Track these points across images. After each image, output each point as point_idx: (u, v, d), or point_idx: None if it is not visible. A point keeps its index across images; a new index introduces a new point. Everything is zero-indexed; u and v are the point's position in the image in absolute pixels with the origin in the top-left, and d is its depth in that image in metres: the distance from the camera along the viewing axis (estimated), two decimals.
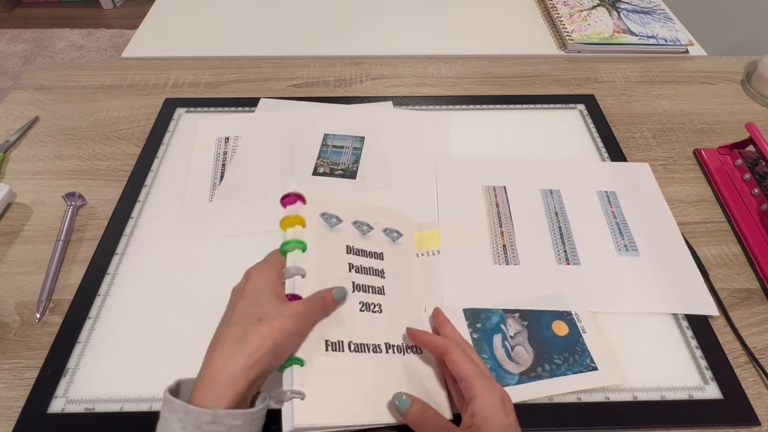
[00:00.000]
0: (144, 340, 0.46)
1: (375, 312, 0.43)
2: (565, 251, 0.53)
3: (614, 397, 0.43)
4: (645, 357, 0.46)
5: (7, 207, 0.57)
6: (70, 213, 0.55)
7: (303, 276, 0.40)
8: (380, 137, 0.65)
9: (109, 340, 0.46)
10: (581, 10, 0.87)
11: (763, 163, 0.60)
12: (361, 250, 0.46)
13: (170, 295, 0.49)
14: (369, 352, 0.41)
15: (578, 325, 0.47)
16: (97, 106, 0.70)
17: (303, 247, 0.42)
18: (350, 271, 0.44)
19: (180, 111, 0.68)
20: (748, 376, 0.45)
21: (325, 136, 0.65)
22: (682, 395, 0.43)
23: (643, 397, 0.43)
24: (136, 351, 0.45)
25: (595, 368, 0.44)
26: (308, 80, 0.75)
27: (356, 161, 0.62)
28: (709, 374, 0.45)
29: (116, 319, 0.47)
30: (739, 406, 0.43)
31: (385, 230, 0.49)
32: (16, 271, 0.51)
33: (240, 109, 0.69)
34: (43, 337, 0.46)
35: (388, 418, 0.38)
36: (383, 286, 0.45)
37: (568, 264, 0.52)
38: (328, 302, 0.40)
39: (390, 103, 0.70)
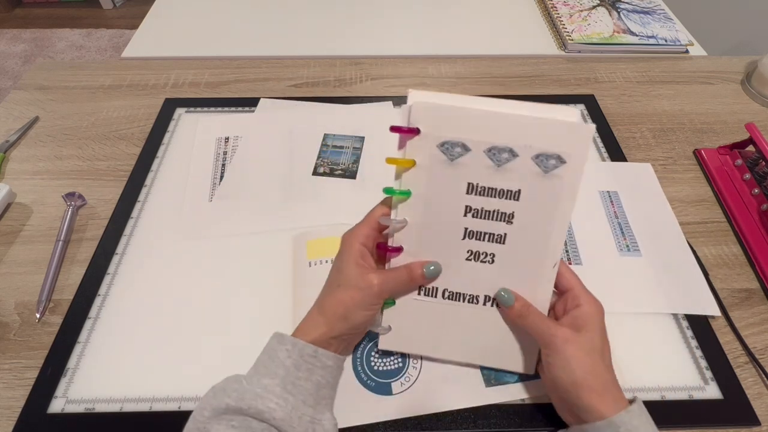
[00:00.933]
0: (144, 340, 0.46)
1: (485, 262, 0.39)
2: (566, 250, 0.53)
3: None
4: (645, 357, 0.46)
5: (7, 207, 0.57)
6: (70, 213, 0.55)
7: (404, 226, 0.38)
8: (380, 137, 0.65)
9: (109, 340, 0.46)
10: (581, 10, 0.87)
11: (763, 163, 0.60)
12: (489, 188, 0.37)
13: (170, 295, 0.49)
14: (463, 302, 0.40)
15: None
16: (97, 106, 0.70)
17: (407, 195, 0.37)
18: (466, 214, 0.38)
19: (180, 111, 0.68)
20: (748, 376, 0.45)
21: (325, 136, 0.65)
22: (682, 395, 0.43)
23: (643, 397, 0.43)
24: (136, 351, 0.45)
25: None
26: (308, 80, 0.75)
27: (356, 161, 0.62)
28: (709, 374, 0.45)
29: (116, 319, 0.47)
30: (739, 406, 0.43)
31: (537, 156, 0.35)
32: (16, 271, 0.51)
33: (240, 109, 0.69)
34: (43, 337, 0.46)
35: (466, 357, 0.43)
36: (505, 234, 0.38)
37: (570, 263, 0.52)
38: (415, 277, 0.39)
39: (390, 103, 0.70)
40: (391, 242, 0.39)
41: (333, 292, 0.39)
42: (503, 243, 0.38)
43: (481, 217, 0.38)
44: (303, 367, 0.36)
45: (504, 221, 0.38)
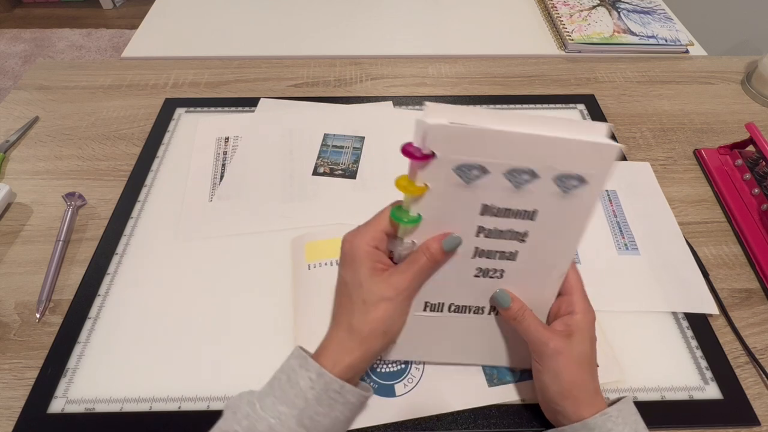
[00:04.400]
0: (144, 340, 0.46)
1: (493, 278, 0.38)
2: None
3: (614, 396, 0.43)
4: (645, 357, 0.46)
5: (7, 207, 0.57)
6: (70, 213, 0.55)
7: (412, 251, 0.37)
8: (380, 137, 0.65)
9: (109, 340, 0.46)
10: (581, 10, 0.87)
11: (763, 163, 0.60)
12: (505, 209, 0.35)
13: (170, 295, 0.49)
14: (469, 313, 0.40)
15: None
16: (97, 106, 0.70)
17: (417, 222, 0.35)
18: (478, 235, 0.36)
19: (180, 111, 0.68)
20: (748, 376, 0.45)
21: (325, 136, 0.65)
22: (682, 395, 0.43)
23: (643, 397, 0.43)
24: (136, 351, 0.45)
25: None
26: (308, 80, 0.75)
27: (356, 161, 0.62)
28: (709, 374, 0.45)
29: (116, 319, 0.47)
30: (739, 406, 0.43)
31: (558, 177, 0.33)
32: (16, 271, 0.51)
33: (240, 109, 0.69)
34: (43, 337, 0.46)
35: (470, 359, 0.44)
36: (517, 251, 0.37)
37: None
38: (437, 258, 0.36)
39: (390, 103, 0.70)
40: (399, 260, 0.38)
41: (361, 310, 0.35)
42: (514, 260, 0.37)
43: (494, 237, 0.36)
44: (325, 402, 0.33)
45: (516, 240, 0.36)
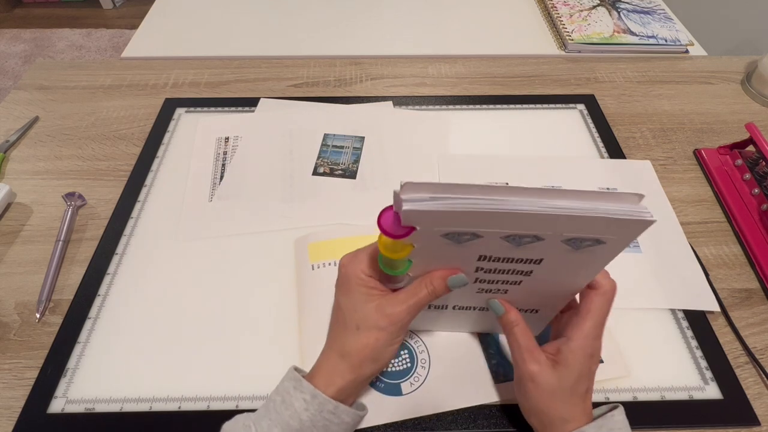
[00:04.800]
0: (144, 340, 0.46)
1: (498, 292, 0.37)
2: None
3: (614, 397, 0.43)
4: (645, 357, 0.46)
5: (7, 207, 0.57)
6: (70, 213, 0.55)
7: (408, 284, 0.36)
8: (380, 137, 0.65)
9: (109, 340, 0.46)
10: (581, 10, 0.87)
11: (763, 163, 0.60)
12: (507, 258, 0.32)
13: (170, 295, 0.49)
14: (473, 310, 0.41)
15: None
16: (96, 106, 0.70)
17: (407, 269, 0.34)
18: (477, 271, 0.34)
19: (180, 111, 0.68)
20: (748, 376, 0.45)
21: (325, 136, 0.65)
22: (682, 395, 0.43)
23: (643, 397, 0.43)
24: (136, 351, 0.45)
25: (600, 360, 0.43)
26: (308, 80, 0.75)
27: (356, 161, 0.62)
28: (709, 374, 0.45)
29: (116, 319, 0.47)
30: (739, 406, 0.43)
31: (569, 240, 0.29)
32: (16, 271, 0.51)
33: (240, 109, 0.69)
34: (43, 337, 0.46)
35: (474, 328, 0.44)
36: (521, 281, 0.35)
37: None
38: (437, 292, 0.35)
39: (390, 103, 0.70)
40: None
41: (353, 335, 0.35)
42: (519, 284, 0.35)
43: (494, 273, 0.34)
44: (320, 423, 0.34)
45: (523, 274, 0.34)
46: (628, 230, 0.28)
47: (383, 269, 0.35)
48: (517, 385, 0.38)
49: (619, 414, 0.36)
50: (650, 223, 0.27)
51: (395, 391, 0.43)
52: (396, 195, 0.28)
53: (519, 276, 0.34)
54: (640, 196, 0.27)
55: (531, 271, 0.33)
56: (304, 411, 0.33)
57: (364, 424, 0.40)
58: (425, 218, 0.28)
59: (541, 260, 0.32)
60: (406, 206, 0.27)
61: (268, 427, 0.33)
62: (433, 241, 0.30)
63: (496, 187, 0.27)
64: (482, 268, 0.34)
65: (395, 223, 0.29)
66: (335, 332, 0.37)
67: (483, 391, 0.43)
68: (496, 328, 0.44)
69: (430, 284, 0.34)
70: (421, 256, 0.32)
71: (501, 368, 0.44)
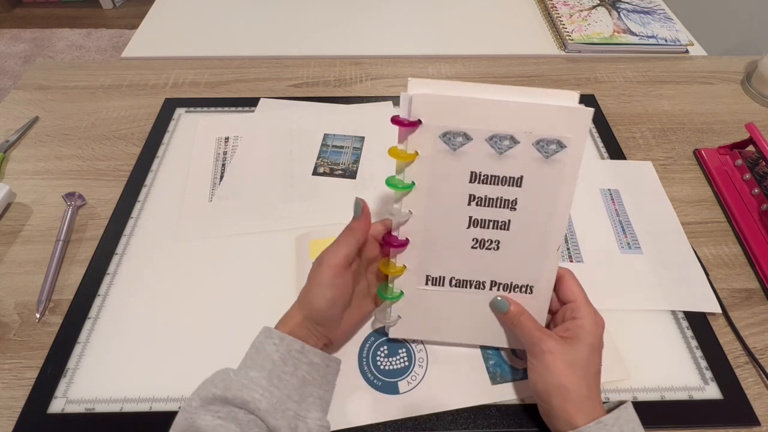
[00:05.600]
0: (144, 340, 0.46)
1: (490, 249, 0.40)
2: (567, 248, 0.53)
3: (614, 397, 0.43)
4: (645, 357, 0.46)
5: (7, 207, 0.57)
6: (70, 213, 0.55)
7: (408, 219, 0.39)
8: (380, 137, 0.65)
9: (109, 340, 0.46)
10: (581, 10, 0.87)
11: (763, 163, 0.60)
12: (492, 176, 0.38)
13: (170, 295, 0.49)
14: (470, 288, 0.42)
15: None
16: (96, 106, 0.70)
17: (410, 188, 0.38)
18: (470, 203, 0.39)
19: (180, 111, 0.68)
20: (748, 376, 0.45)
21: (325, 136, 0.65)
22: (682, 395, 0.43)
23: (643, 397, 0.43)
24: (136, 351, 0.45)
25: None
26: (308, 80, 0.75)
27: (356, 161, 0.62)
28: (709, 374, 0.45)
29: (116, 319, 0.47)
30: (739, 406, 0.43)
31: (538, 142, 0.36)
32: (16, 271, 0.51)
33: (240, 109, 0.69)
34: (43, 337, 0.46)
35: (473, 339, 0.44)
36: (509, 221, 0.39)
37: (571, 261, 0.52)
38: (356, 234, 0.40)
39: (390, 103, 0.70)
40: (397, 235, 0.40)
41: (305, 289, 0.41)
42: (507, 229, 0.39)
43: (484, 205, 0.39)
44: (290, 361, 0.37)
45: (507, 208, 0.39)
46: (575, 121, 0.36)
47: (390, 185, 0.39)
48: (531, 371, 0.38)
49: (631, 407, 0.37)
50: (589, 111, 0.35)
51: (392, 389, 0.43)
52: (404, 95, 0.36)
53: (507, 212, 0.39)
54: (577, 93, 0.36)
55: (516, 201, 0.38)
56: (275, 352, 0.37)
57: (361, 422, 0.40)
58: (428, 107, 0.36)
59: (521, 179, 0.38)
60: (416, 91, 0.36)
61: (245, 372, 0.36)
62: (433, 148, 0.37)
63: (480, 84, 0.36)
64: (474, 197, 0.38)
65: (405, 119, 0.37)
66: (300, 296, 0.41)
67: (481, 392, 0.43)
68: (498, 336, 0.44)
69: (350, 231, 0.40)
70: (423, 175, 0.38)
71: (498, 369, 0.44)
